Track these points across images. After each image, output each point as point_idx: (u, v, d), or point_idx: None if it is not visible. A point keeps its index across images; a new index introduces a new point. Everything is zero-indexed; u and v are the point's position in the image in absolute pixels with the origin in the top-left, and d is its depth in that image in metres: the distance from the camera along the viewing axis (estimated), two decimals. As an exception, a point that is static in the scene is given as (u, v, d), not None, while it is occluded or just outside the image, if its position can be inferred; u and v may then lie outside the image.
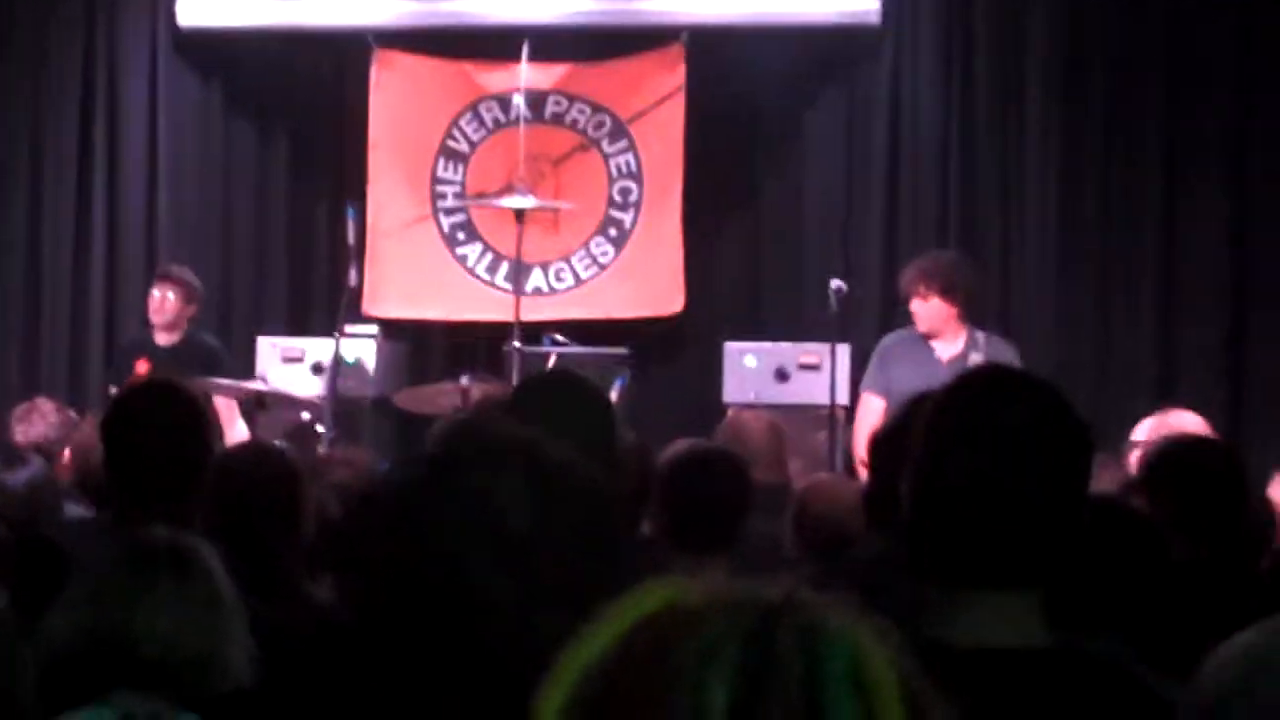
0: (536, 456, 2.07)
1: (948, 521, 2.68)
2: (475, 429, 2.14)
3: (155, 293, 9.30)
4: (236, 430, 9.07)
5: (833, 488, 5.72)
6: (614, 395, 8.28)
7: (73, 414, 8.29)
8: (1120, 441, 6.87)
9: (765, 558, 5.35)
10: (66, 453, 7.64)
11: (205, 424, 4.56)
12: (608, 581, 1.94)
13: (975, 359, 8.55)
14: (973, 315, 8.77)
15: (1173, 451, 4.90)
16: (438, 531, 2.00)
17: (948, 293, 8.68)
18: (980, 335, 8.73)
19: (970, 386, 2.83)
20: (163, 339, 9.33)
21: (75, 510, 6.52)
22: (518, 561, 1.95)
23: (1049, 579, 2.68)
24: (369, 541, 2.07)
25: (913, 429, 2.80)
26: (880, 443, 4.53)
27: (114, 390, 8.84)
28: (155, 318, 9.30)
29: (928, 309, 8.70)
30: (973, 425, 2.70)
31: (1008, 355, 8.60)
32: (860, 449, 8.22)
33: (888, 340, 8.91)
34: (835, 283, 8.28)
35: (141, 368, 9.02)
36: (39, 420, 8.08)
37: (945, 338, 8.74)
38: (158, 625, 3.16)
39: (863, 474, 7.98)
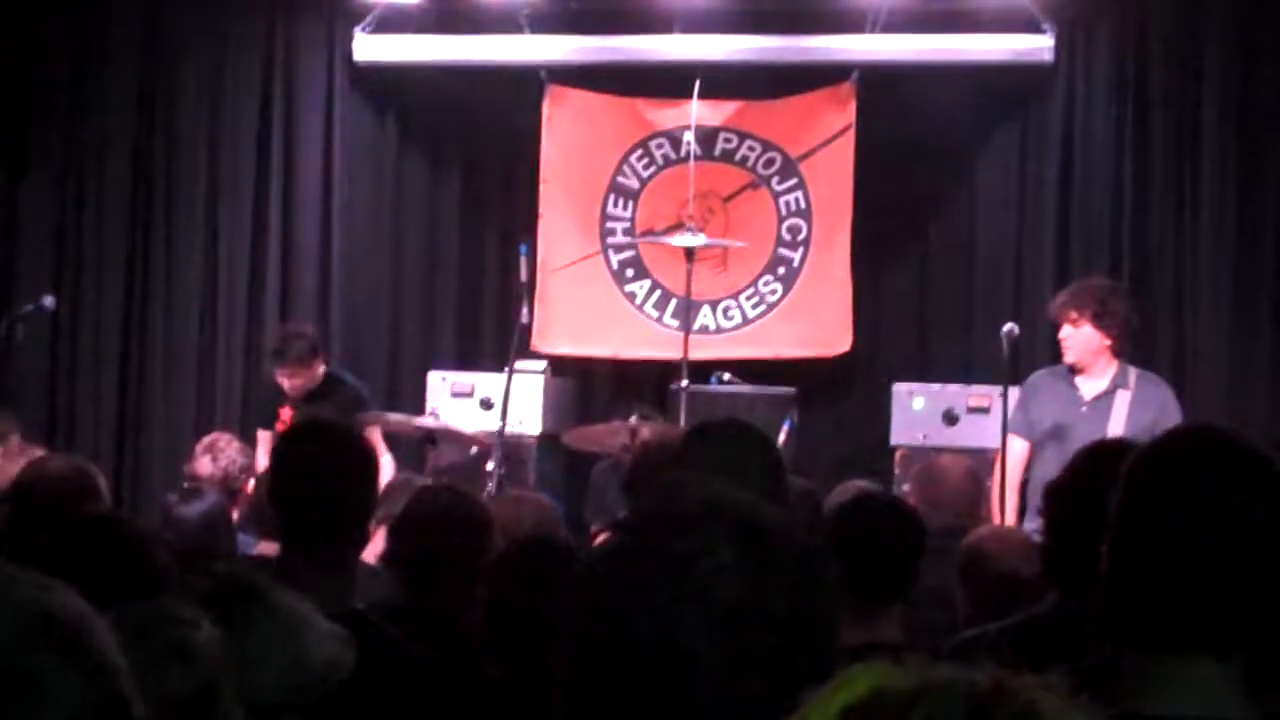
0: (750, 520, 2.05)
1: (1149, 585, 2.63)
2: (687, 490, 2.11)
3: (283, 381, 9.11)
4: (383, 463, 9.09)
5: (1002, 539, 5.63)
6: (782, 437, 8.25)
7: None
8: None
9: (938, 610, 5.28)
10: (249, 486, 7.76)
11: (371, 466, 4.57)
12: (820, 653, 1.92)
13: (1122, 398, 8.34)
14: (1126, 350, 8.46)
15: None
16: (647, 597, 1.98)
17: (1100, 319, 8.35)
18: (1132, 372, 8.42)
19: (1178, 445, 2.77)
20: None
21: (250, 543, 6.61)
22: (727, 631, 1.93)
23: (1253, 647, 2.62)
24: (580, 604, 2.06)
25: (1111, 484, 2.75)
26: (1057, 494, 4.44)
27: (261, 433, 8.94)
28: (293, 394, 9.15)
29: (1078, 337, 8.39)
30: (1178, 486, 2.65)
31: (1160, 396, 8.36)
32: (1003, 492, 8.08)
33: (1034, 377, 8.63)
34: (1007, 326, 8.16)
35: (287, 413, 9.06)
36: (223, 453, 8.19)
37: (1092, 372, 8.41)
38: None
39: (997, 516, 7.90)
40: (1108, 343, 8.38)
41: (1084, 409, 8.40)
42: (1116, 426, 8.19)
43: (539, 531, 5.10)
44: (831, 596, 2.02)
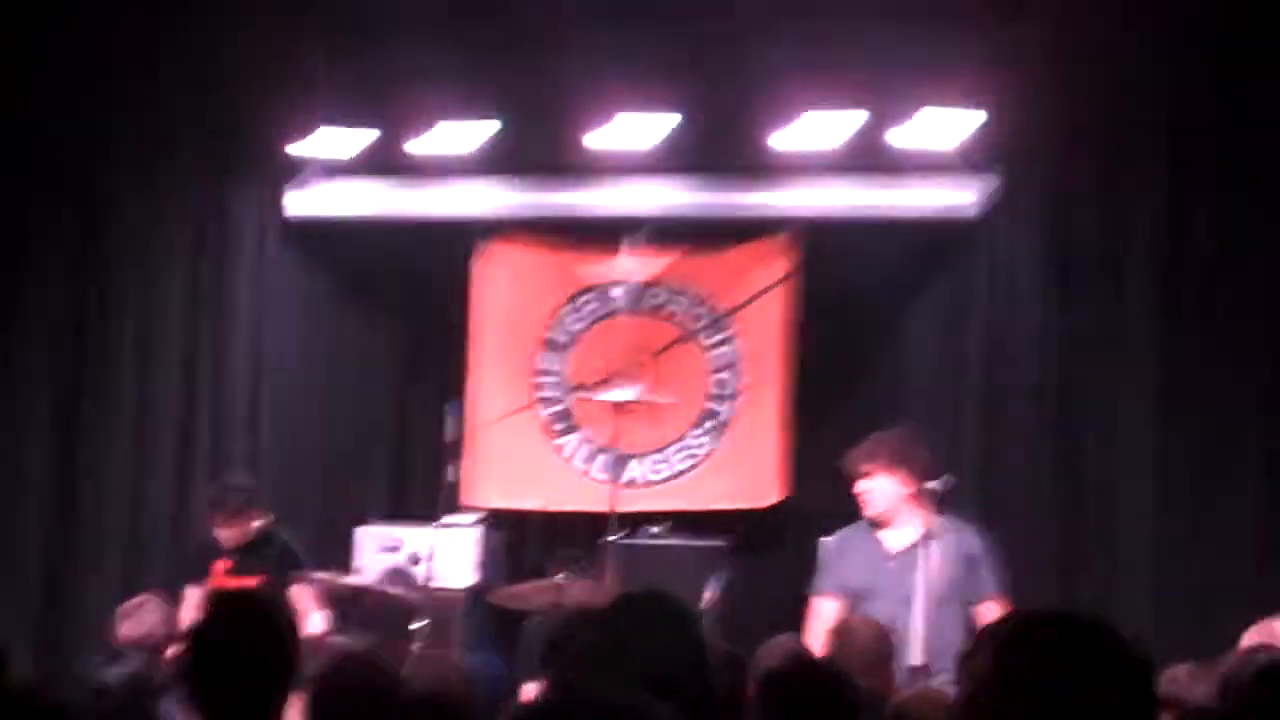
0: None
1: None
2: (575, 695, 2.14)
3: (219, 533, 9.12)
4: (313, 621, 9.09)
5: (928, 700, 5.65)
6: (709, 593, 8.26)
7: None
8: (1228, 643, 6.77)
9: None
10: (171, 648, 7.72)
11: (292, 639, 4.58)
12: None
13: (933, 548, 8.10)
14: (932, 499, 8.26)
15: (1254, 670, 4.83)
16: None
17: (896, 469, 8.24)
18: (940, 520, 8.16)
19: (1045, 629, 2.85)
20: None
21: (171, 709, 6.57)
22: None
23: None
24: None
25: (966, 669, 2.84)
26: (966, 660, 4.46)
27: (190, 589, 8.91)
28: (227, 545, 9.17)
29: (874, 489, 8.29)
30: (1031, 669, 2.73)
31: (971, 544, 8.23)
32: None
33: (836, 537, 8.51)
34: (937, 482, 8.14)
35: (219, 567, 9.04)
36: (145, 618, 8.17)
37: (897, 524, 8.27)
38: None
39: None
40: (907, 491, 8.26)
41: (891, 563, 8.26)
42: (930, 575, 8.08)
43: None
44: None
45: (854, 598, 8.23)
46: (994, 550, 8.41)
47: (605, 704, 2.13)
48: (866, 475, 8.33)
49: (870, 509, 8.37)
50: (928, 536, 8.17)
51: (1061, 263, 9.78)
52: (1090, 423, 9.67)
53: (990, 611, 8.23)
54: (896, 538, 8.35)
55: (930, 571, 8.09)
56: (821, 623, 8.12)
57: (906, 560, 8.23)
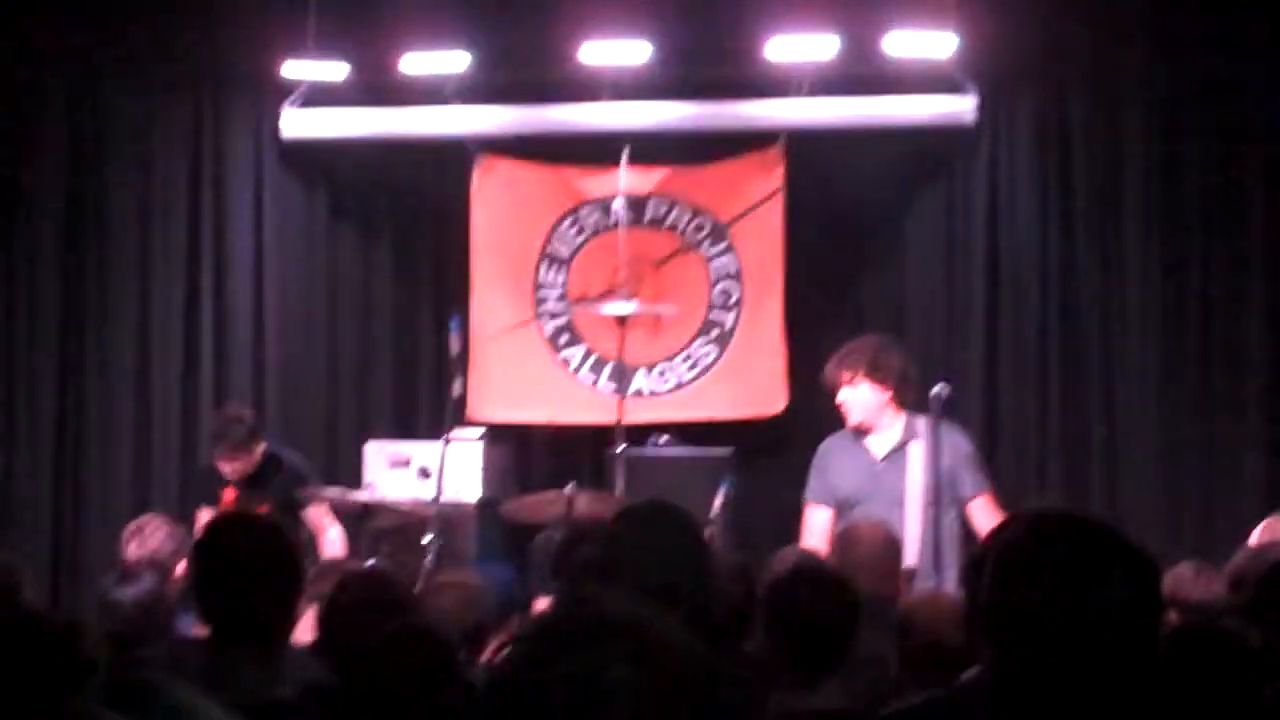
0: (643, 638, 2.10)
1: (1021, 661, 2.74)
2: (583, 608, 2.17)
3: (223, 466, 9.13)
4: (331, 536, 9.15)
5: (936, 605, 5.69)
6: (719, 500, 8.30)
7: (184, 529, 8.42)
8: (1231, 548, 6.81)
9: (872, 678, 5.35)
10: (181, 566, 7.76)
11: (295, 558, 4.66)
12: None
13: (916, 449, 8.37)
14: (909, 400, 8.50)
15: (1266, 564, 4.87)
16: (545, 715, 2.03)
17: (874, 375, 8.45)
18: (921, 421, 8.39)
19: (1033, 528, 2.89)
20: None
21: (190, 623, 6.62)
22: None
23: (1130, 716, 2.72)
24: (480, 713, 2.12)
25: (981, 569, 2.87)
26: (976, 564, 4.50)
27: (202, 511, 8.96)
28: (233, 476, 9.17)
29: (855, 397, 8.48)
30: (1035, 568, 2.77)
31: (953, 440, 8.35)
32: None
33: (825, 444, 8.69)
34: (937, 387, 8.21)
35: (229, 494, 9.09)
36: (151, 536, 8.20)
37: (880, 429, 8.50)
38: None
39: None
40: (886, 395, 8.46)
41: (878, 467, 8.47)
42: (915, 477, 8.28)
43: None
44: (732, 714, 2.09)
45: (843, 505, 8.38)
46: (977, 450, 8.54)
47: (612, 616, 2.16)
48: (848, 384, 8.48)
49: (852, 417, 8.53)
50: (911, 436, 8.37)
51: (1059, 168, 9.80)
52: (1093, 330, 9.70)
53: (980, 509, 8.34)
54: (880, 442, 8.54)
55: (918, 473, 8.24)
56: (813, 531, 8.26)
57: (894, 461, 8.40)
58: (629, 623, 2.12)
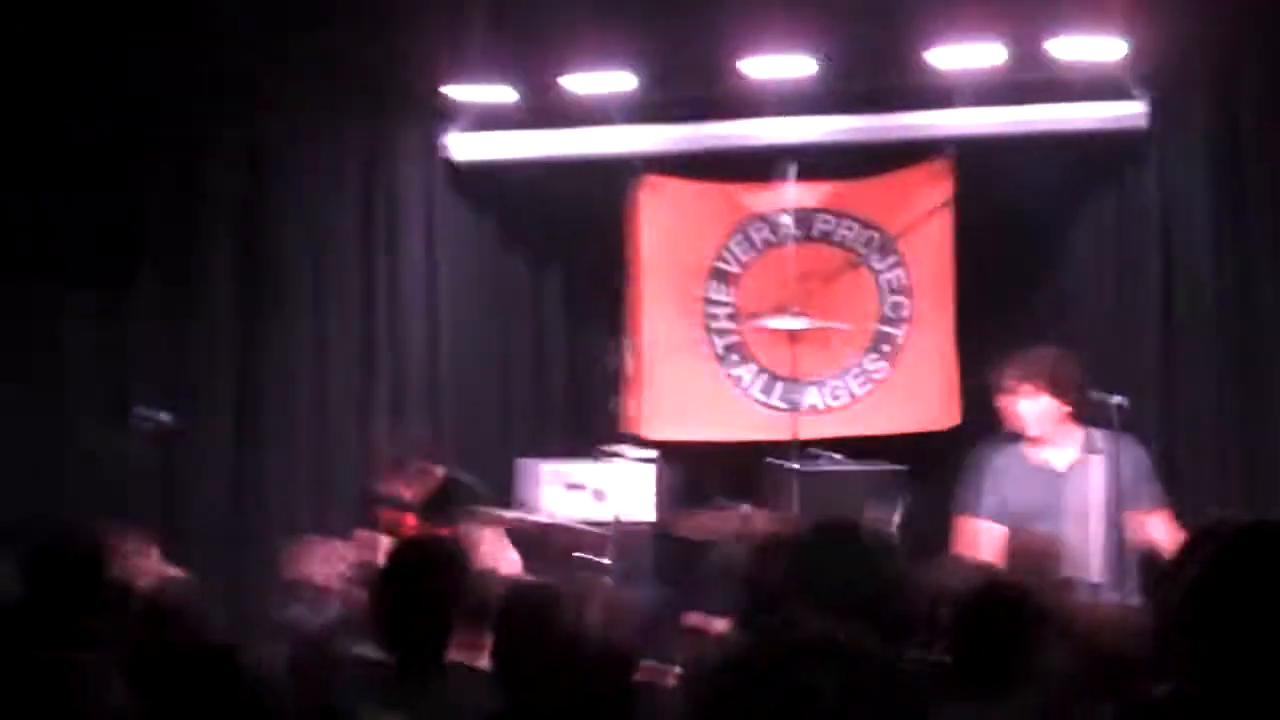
0: (852, 656, 2.11)
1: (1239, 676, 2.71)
2: (792, 627, 2.18)
3: (403, 492, 9.18)
4: (507, 561, 9.18)
5: (1117, 617, 5.62)
6: (896, 518, 8.26)
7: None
8: None
9: (1051, 691, 5.29)
10: (359, 589, 7.83)
11: (473, 577, 4.71)
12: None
13: (1097, 461, 8.23)
14: (1085, 414, 8.36)
15: None
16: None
17: (1056, 388, 8.30)
18: (1098, 434, 8.28)
19: (1238, 543, 2.84)
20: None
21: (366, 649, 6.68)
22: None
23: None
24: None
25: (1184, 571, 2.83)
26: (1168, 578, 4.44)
27: (361, 532, 9.02)
28: (413, 501, 9.21)
29: (1036, 408, 8.34)
30: (1234, 585, 2.73)
31: (1134, 453, 8.24)
32: None
33: (988, 458, 8.52)
34: (1115, 398, 8.11)
35: (410, 520, 9.14)
36: (328, 559, 8.29)
37: (1056, 442, 8.36)
38: None
39: None
40: (1067, 409, 8.32)
41: (1059, 481, 8.33)
42: (1096, 490, 8.13)
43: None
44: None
45: (1016, 519, 8.22)
46: (1149, 456, 8.43)
47: (820, 637, 2.16)
48: (1024, 394, 8.36)
49: (1031, 429, 8.38)
50: (1092, 449, 8.24)
51: (1231, 174, 9.64)
52: (1271, 339, 9.52)
53: (1157, 524, 8.22)
54: (1059, 455, 8.40)
55: (1102, 481, 8.13)
56: (981, 545, 8.10)
57: (1075, 477, 8.26)
58: (841, 643, 2.13)
